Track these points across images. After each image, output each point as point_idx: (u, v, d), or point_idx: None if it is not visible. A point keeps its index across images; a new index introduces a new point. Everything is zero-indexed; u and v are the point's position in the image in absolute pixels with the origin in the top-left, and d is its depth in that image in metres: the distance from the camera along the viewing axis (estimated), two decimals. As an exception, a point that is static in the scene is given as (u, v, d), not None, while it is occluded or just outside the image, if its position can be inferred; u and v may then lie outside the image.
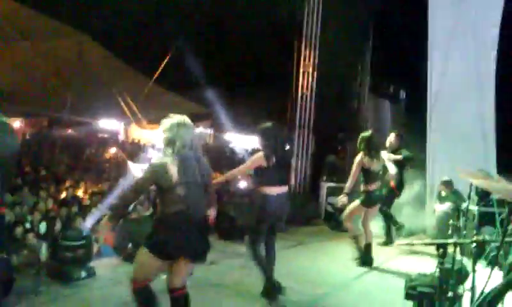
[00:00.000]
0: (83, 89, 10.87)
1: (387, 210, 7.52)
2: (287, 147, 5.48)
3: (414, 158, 7.83)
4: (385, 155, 7.48)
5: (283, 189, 4.78)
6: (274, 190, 4.70)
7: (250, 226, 4.93)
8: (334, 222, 8.94)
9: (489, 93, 8.16)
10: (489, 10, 8.14)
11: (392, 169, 7.14)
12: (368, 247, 6.32)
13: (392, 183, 7.49)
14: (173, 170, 3.28)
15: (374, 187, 6.17)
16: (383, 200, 6.72)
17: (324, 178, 9.93)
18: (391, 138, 7.64)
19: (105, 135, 15.00)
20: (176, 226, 3.30)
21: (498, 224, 4.95)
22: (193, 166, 3.38)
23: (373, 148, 6.21)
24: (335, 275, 5.86)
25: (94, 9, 10.34)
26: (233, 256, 5.94)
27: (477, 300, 1.06)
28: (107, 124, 14.22)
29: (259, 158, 4.70)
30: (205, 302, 4.61)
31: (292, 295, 5.00)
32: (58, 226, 6.51)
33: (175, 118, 3.47)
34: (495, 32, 8.10)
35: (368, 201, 6.20)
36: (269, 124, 4.90)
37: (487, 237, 3.94)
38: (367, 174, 6.14)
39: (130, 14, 10.89)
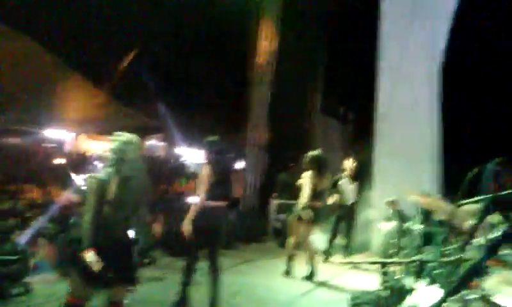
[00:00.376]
0: (29, 97, 10.41)
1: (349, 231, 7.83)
2: (230, 162, 5.58)
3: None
4: (346, 184, 7.71)
5: (222, 203, 4.80)
6: (212, 204, 4.70)
7: (188, 241, 4.88)
8: (282, 239, 8.97)
9: (435, 115, 8.52)
10: (435, 38, 8.55)
11: (353, 198, 7.52)
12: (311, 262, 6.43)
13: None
14: (112, 187, 3.22)
15: (318, 204, 6.32)
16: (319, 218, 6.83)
17: (275, 195, 9.99)
18: (349, 163, 7.88)
19: (51, 145, 14.40)
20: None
21: (437, 243, 5.12)
22: (134, 186, 3.31)
23: (322, 167, 6.37)
24: (281, 293, 5.85)
25: (43, 14, 10.00)
26: (179, 273, 5.81)
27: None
28: (54, 134, 13.67)
29: (208, 173, 4.69)
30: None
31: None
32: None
33: (124, 136, 3.41)
34: (439, 59, 8.53)
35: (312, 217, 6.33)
36: (214, 138, 4.99)
37: (428, 256, 4.08)
38: (313, 192, 6.28)
39: (82, 22, 10.62)
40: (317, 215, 6.42)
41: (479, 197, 1.13)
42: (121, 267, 3.29)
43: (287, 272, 6.58)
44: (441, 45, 8.53)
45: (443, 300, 1.11)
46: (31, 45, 9.74)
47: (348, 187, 7.77)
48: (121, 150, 3.31)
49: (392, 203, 7.68)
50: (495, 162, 1.05)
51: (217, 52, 12.63)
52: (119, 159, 3.29)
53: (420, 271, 4.17)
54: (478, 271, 1.06)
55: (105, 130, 11.23)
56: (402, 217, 7.46)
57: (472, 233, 1.08)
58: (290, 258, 6.61)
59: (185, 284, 4.77)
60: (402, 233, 6.79)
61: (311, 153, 6.53)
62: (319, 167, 6.38)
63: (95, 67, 11.40)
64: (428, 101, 8.52)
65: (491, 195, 1.06)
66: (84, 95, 11.44)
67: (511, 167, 1.08)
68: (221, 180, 4.75)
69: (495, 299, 1.68)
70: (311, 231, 6.54)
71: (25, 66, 10.00)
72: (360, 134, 12.01)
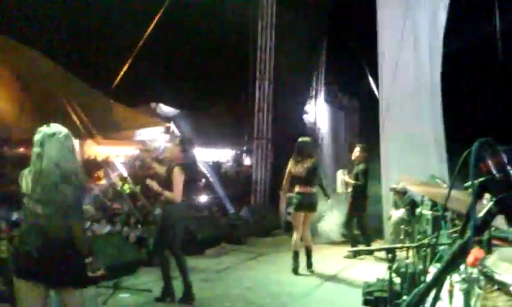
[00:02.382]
0: (33, 106, 10.50)
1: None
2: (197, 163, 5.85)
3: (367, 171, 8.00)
4: (341, 175, 7.73)
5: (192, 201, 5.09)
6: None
7: (171, 237, 4.98)
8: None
9: (437, 100, 8.47)
10: (434, 22, 8.49)
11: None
12: (307, 251, 6.51)
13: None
14: (26, 180, 2.95)
15: (298, 190, 6.37)
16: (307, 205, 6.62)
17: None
18: (356, 152, 7.85)
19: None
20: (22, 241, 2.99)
21: (444, 227, 5.13)
22: (49, 184, 2.90)
23: (298, 153, 6.48)
24: (295, 285, 5.90)
25: (42, 24, 10.08)
26: (193, 271, 5.86)
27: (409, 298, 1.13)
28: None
29: (180, 173, 4.85)
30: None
31: (253, 307, 5.01)
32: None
33: (46, 129, 3.05)
34: (439, 42, 8.47)
35: (296, 205, 6.39)
36: (188, 137, 5.59)
37: (433, 240, 4.09)
38: (293, 179, 6.45)
39: (80, 26, 10.69)
40: (298, 202, 6.41)
41: (466, 184, 1.14)
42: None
43: (295, 270, 6.44)
44: (440, 28, 8.46)
45: (435, 281, 1.15)
46: (34, 56, 9.83)
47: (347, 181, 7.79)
48: (41, 144, 2.96)
49: (397, 190, 7.65)
50: (478, 145, 1.08)
51: (219, 48, 12.64)
52: (39, 153, 2.95)
53: (432, 255, 4.19)
54: (465, 250, 1.10)
55: (111, 134, 11.31)
56: (412, 203, 7.46)
57: (468, 216, 1.11)
58: (296, 255, 6.49)
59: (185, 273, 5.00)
60: (413, 218, 6.80)
61: (305, 139, 6.71)
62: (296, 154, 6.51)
63: (96, 70, 11.46)
64: (430, 85, 8.45)
65: (479, 179, 1.09)
66: (87, 100, 11.50)
67: (495, 148, 1.11)
68: (191, 180, 5.07)
69: (495, 275, 1.74)
70: (308, 220, 6.56)
71: (28, 76, 10.09)
72: (365, 123, 11.98)
